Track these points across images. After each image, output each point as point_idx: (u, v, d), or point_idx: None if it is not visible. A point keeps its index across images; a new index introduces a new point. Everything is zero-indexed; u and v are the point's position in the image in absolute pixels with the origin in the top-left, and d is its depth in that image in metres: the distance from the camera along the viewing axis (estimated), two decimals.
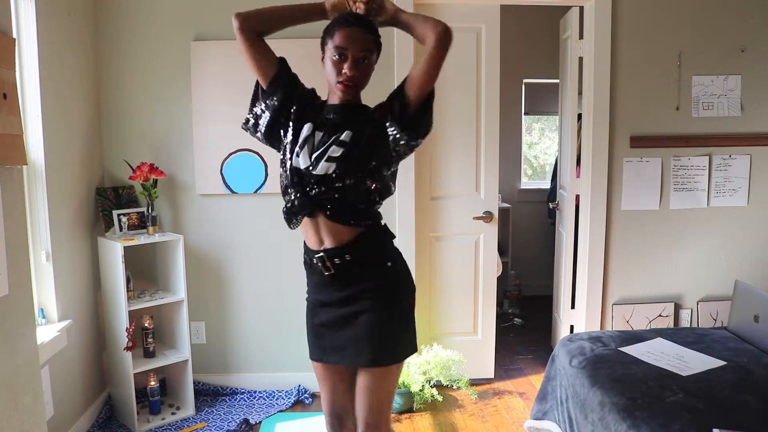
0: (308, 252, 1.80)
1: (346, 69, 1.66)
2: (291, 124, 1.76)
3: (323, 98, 1.83)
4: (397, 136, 1.68)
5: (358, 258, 1.72)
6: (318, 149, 1.70)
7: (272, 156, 3.10)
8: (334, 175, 1.66)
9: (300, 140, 1.72)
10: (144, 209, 3.00)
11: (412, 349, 1.83)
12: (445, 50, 1.66)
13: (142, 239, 2.87)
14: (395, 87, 1.75)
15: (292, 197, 1.72)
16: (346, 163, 1.67)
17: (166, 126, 3.12)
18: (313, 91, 1.85)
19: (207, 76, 3.05)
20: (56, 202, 2.62)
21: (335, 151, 1.67)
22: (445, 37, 1.64)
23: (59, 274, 2.63)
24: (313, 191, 1.68)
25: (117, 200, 3.04)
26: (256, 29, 1.76)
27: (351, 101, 1.75)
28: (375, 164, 1.70)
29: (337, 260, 1.72)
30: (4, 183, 1.87)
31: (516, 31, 4.62)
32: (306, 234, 1.78)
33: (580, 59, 3.34)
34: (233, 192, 3.14)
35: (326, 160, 1.67)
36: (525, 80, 5.09)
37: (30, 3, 2.43)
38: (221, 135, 3.09)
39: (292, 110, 1.77)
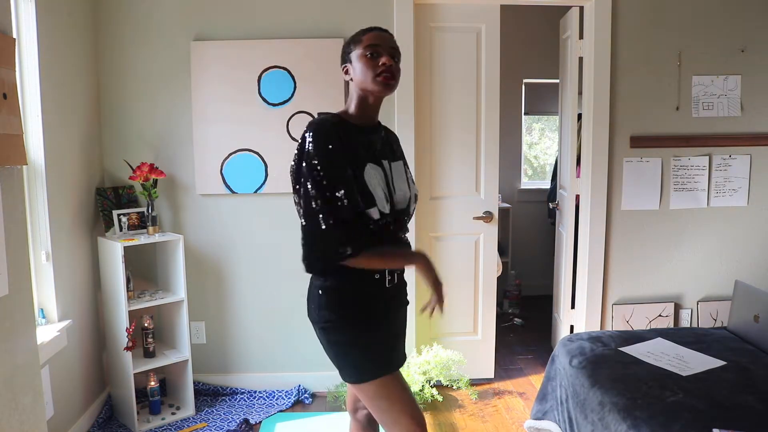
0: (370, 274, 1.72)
1: (384, 60, 1.64)
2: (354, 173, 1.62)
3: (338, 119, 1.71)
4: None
5: (403, 278, 1.88)
6: (399, 177, 1.76)
7: (272, 156, 3.11)
8: (416, 195, 1.82)
9: (374, 186, 1.62)
10: (144, 209, 3.00)
11: None
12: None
13: (142, 239, 2.87)
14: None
15: (392, 219, 1.71)
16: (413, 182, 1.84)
17: (166, 126, 3.12)
18: (343, 139, 1.64)
19: (207, 76, 3.05)
20: (56, 202, 2.62)
21: (412, 174, 1.84)
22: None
23: (59, 274, 2.64)
24: (405, 214, 1.78)
25: (117, 200, 3.04)
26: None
27: (374, 122, 1.76)
28: None
29: (396, 277, 1.81)
30: (4, 183, 1.87)
31: (516, 31, 4.62)
32: None
33: (580, 59, 3.34)
34: (233, 192, 3.14)
35: (411, 182, 1.81)
36: (525, 80, 5.09)
37: (30, 3, 2.43)
38: (221, 135, 3.09)
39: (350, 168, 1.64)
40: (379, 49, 1.65)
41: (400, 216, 1.73)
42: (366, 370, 1.72)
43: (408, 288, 1.94)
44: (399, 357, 1.85)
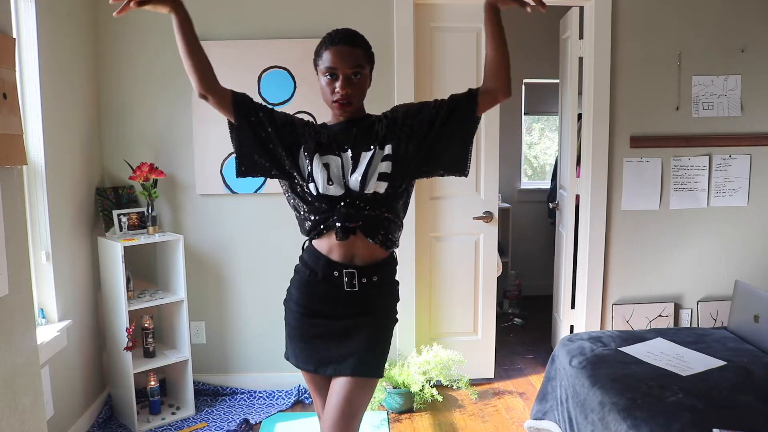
0: (328, 262, 1.74)
1: (338, 88, 1.67)
2: (282, 151, 1.72)
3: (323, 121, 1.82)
4: (467, 144, 1.79)
5: (381, 279, 1.76)
6: (357, 169, 1.68)
7: None
8: (386, 192, 1.69)
9: (317, 169, 1.68)
10: (144, 209, 3.00)
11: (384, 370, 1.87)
12: (506, 94, 1.78)
13: (142, 239, 2.87)
14: (417, 100, 1.81)
15: (340, 210, 1.68)
16: (397, 179, 1.70)
17: (166, 126, 3.12)
18: (295, 119, 1.80)
19: None
20: (56, 202, 2.62)
21: (386, 167, 1.68)
22: (509, 85, 1.77)
23: (59, 274, 2.63)
24: (359, 209, 1.68)
25: (117, 200, 3.04)
26: (207, 84, 1.78)
27: (358, 116, 1.76)
28: (415, 180, 1.78)
29: (364, 279, 1.73)
30: (4, 183, 1.87)
31: (516, 31, 4.60)
32: (331, 245, 1.73)
33: (580, 59, 3.34)
34: (233, 192, 3.14)
35: (378, 179, 1.67)
36: (525, 80, 5.09)
37: (30, 3, 2.43)
38: (221, 135, 3.06)
39: (269, 131, 1.72)
40: (336, 72, 1.67)
41: (352, 196, 1.68)
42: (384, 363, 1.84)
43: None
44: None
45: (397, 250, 1.86)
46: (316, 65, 1.74)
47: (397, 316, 1.88)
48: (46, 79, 2.52)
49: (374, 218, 1.71)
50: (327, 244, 1.74)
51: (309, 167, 1.69)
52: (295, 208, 1.80)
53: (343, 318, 1.76)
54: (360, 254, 1.73)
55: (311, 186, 1.69)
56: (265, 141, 1.73)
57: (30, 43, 2.45)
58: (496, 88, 1.74)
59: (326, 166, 1.69)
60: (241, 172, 1.77)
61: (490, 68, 1.74)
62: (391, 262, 1.82)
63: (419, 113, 1.75)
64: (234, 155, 1.77)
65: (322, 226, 1.72)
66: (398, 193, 1.74)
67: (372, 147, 1.71)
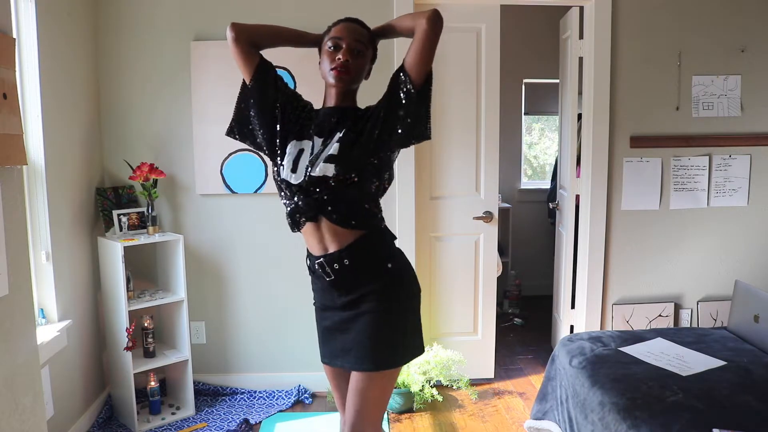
0: (310, 257, 1.78)
1: (340, 55, 1.67)
2: (278, 126, 1.75)
3: (317, 108, 1.83)
4: (412, 106, 1.66)
5: (356, 262, 1.68)
6: (317, 155, 1.68)
7: None
8: (333, 175, 1.62)
9: (288, 153, 1.70)
10: (144, 209, 3.00)
11: (415, 352, 1.79)
12: (438, 29, 1.65)
13: (142, 239, 2.87)
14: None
15: (294, 200, 1.70)
16: (346, 161, 1.63)
17: (166, 126, 3.12)
18: (300, 98, 1.84)
19: (207, 76, 3.05)
20: (56, 202, 2.62)
21: (334, 150, 1.65)
22: (435, 17, 1.63)
23: (59, 274, 2.63)
24: (314, 195, 1.66)
25: (117, 200, 3.04)
26: (249, 40, 1.76)
27: (346, 104, 1.75)
28: (376, 161, 1.67)
29: (336, 265, 1.69)
30: (4, 183, 1.87)
31: (516, 31, 4.62)
32: (308, 239, 1.74)
33: (580, 59, 3.34)
34: (233, 192, 3.14)
35: (325, 161, 1.64)
36: (525, 80, 5.09)
37: (30, 3, 2.43)
38: (221, 135, 3.05)
39: (277, 107, 1.76)
40: (340, 42, 1.69)
41: (306, 183, 1.65)
42: (419, 345, 1.82)
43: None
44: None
45: (386, 228, 1.79)
46: (320, 48, 1.75)
47: (412, 292, 1.80)
48: (46, 79, 2.52)
49: (332, 202, 1.65)
50: (303, 237, 1.77)
51: (285, 149, 1.71)
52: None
53: (339, 309, 1.76)
54: (330, 241, 1.69)
55: (280, 167, 1.71)
56: (270, 112, 1.75)
57: (30, 43, 2.45)
58: (415, 29, 1.67)
59: (301, 152, 1.70)
60: (232, 131, 1.81)
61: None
62: (371, 240, 1.71)
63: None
64: (232, 117, 1.80)
65: (289, 219, 1.74)
66: (355, 175, 1.64)
67: (338, 133, 1.70)
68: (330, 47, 1.69)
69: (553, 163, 4.85)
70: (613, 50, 3.16)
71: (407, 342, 1.76)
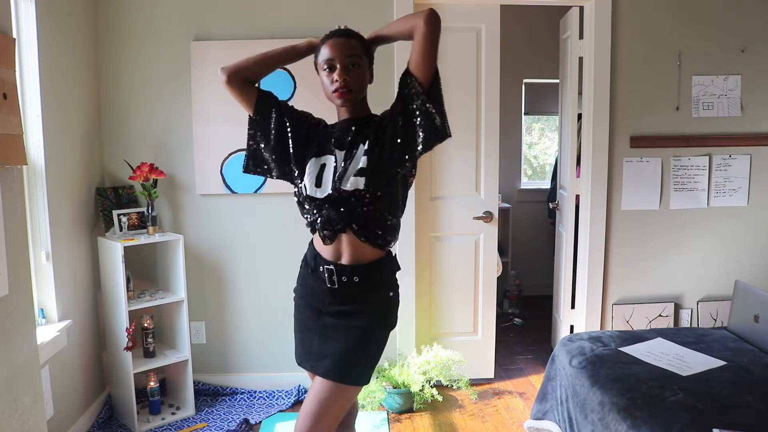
0: (317, 258, 1.77)
1: (336, 76, 1.68)
2: (291, 150, 1.77)
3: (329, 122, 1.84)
4: (425, 107, 1.65)
5: (365, 282, 1.72)
6: (345, 169, 1.69)
7: None
8: (365, 188, 1.65)
9: (308, 173, 1.72)
10: (144, 209, 3.00)
11: (369, 378, 1.79)
12: (436, 29, 1.66)
13: (142, 239, 2.87)
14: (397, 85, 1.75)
15: (324, 213, 1.69)
16: (376, 173, 1.66)
17: (166, 126, 3.12)
18: (310, 116, 1.85)
19: (207, 76, 3.05)
20: (56, 202, 2.62)
21: (363, 163, 1.67)
22: (432, 17, 1.65)
23: (59, 274, 2.63)
24: (346, 207, 1.67)
25: (117, 200, 3.04)
26: (241, 78, 1.79)
27: (360, 115, 1.76)
28: (401, 169, 1.70)
29: (344, 278, 1.72)
30: (4, 183, 1.87)
31: (516, 31, 4.62)
32: (321, 242, 1.76)
33: (580, 59, 3.34)
34: (233, 192, 3.14)
35: (355, 175, 1.66)
36: (525, 80, 5.09)
37: (30, 3, 2.43)
38: (221, 135, 3.09)
39: (288, 130, 1.78)
40: (333, 62, 1.69)
41: (335, 197, 1.67)
42: (371, 374, 1.81)
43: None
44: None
45: (397, 256, 1.86)
46: (316, 67, 1.76)
47: (394, 323, 1.83)
48: (46, 79, 2.52)
49: (360, 216, 1.68)
50: (319, 241, 1.77)
51: (304, 168, 1.73)
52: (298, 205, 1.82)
53: (326, 315, 1.77)
54: (347, 252, 1.72)
55: (302, 186, 1.73)
56: (280, 138, 1.77)
57: (30, 43, 2.45)
58: (416, 30, 1.67)
59: (323, 167, 1.71)
60: (248, 168, 1.83)
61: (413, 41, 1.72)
62: (383, 266, 1.77)
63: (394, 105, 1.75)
64: (245, 152, 1.82)
65: (310, 228, 1.77)
66: (384, 188, 1.68)
67: (362, 144, 1.71)
68: (325, 69, 1.70)
69: (553, 163, 4.85)
70: (613, 50, 3.17)
71: (372, 366, 1.80)
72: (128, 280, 2.84)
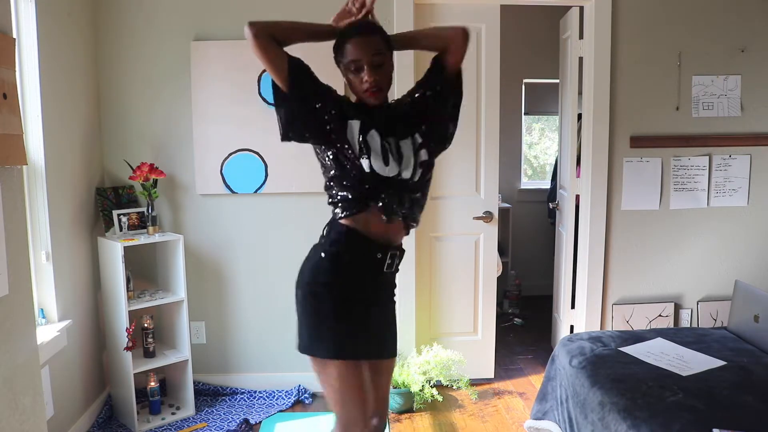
0: (371, 248, 1.73)
1: (365, 76, 1.67)
2: (330, 115, 1.69)
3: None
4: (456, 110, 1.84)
5: (400, 261, 1.84)
6: (403, 155, 1.71)
7: (272, 156, 3.10)
8: (423, 179, 1.78)
9: (373, 144, 1.68)
10: (144, 209, 3.00)
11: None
12: (467, 44, 1.78)
13: (142, 239, 2.87)
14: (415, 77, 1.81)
15: (390, 192, 1.70)
16: (431, 164, 1.80)
17: (166, 126, 3.12)
18: (335, 91, 1.79)
19: (207, 76, 3.05)
20: (56, 202, 2.62)
21: (424, 155, 1.75)
22: (466, 34, 1.78)
23: (59, 274, 2.63)
24: (411, 193, 1.75)
25: (117, 200, 3.04)
26: (269, 33, 1.77)
27: (389, 100, 1.82)
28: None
29: (397, 260, 1.81)
30: (4, 183, 1.87)
31: (516, 31, 4.62)
32: (371, 226, 1.71)
33: (580, 59, 3.34)
34: (233, 192, 3.14)
35: (420, 166, 1.75)
36: (525, 80, 5.09)
37: (30, 3, 2.43)
38: (221, 135, 3.09)
39: (321, 98, 1.72)
40: (360, 63, 1.67)
41: (401, 181, 1.72)
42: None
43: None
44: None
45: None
46: (338, 62, 1.75)
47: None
48: (46, 79, 2.52)
49: (414, 202, 1.77)
50: (364, 223, 1.71)
51: (361, 142, 1.67)
52: (330, 177, 1.75)
53: (378, 305, 1.84)
54: (393, 235, 1.77)
55: (364, 162, 1.67)
56: (316, 109, 1.71)
57: (30, 43, 2.45)
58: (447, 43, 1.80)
59: (384, 145, 1.69)
60: (287, 137, 1.74)
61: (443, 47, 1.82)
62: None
63: (423, 98, 1.83)
64: (279, 123, 1.74)
65: (361, 204, 1.70)
66: (430, 177, 1.83)
67: (411, 134, 1.75)
68: (352, 70, 1.69)
69: (553, 163, 4.85)
70: (613, 50, 3.16)
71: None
72: (128, 280, 2.84)
